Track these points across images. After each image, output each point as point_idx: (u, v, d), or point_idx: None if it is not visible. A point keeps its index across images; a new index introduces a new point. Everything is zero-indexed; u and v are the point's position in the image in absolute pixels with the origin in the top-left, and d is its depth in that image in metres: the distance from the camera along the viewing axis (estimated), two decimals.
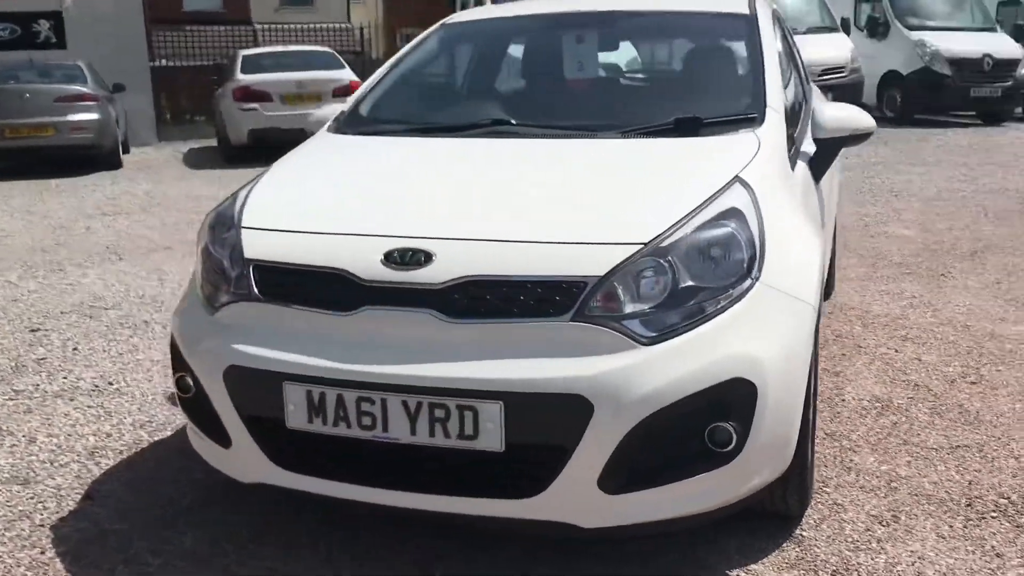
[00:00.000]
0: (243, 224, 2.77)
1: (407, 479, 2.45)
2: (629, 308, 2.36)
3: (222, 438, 2.65)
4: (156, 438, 3.69)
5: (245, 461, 2.62)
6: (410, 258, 2.45)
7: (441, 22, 4.22)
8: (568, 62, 4.00)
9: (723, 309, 2.39)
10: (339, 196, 2.94)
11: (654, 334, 2.35)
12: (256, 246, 2.67)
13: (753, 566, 2.70)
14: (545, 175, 2.93)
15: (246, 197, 2.93)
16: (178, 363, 2.78)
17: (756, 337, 2.39)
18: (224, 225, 2.82)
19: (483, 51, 4.28)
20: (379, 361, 2.40)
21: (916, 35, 15.20)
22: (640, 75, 4.28)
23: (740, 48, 3.67)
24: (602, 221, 2.55)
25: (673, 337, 2.35)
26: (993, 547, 2.78)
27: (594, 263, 2.38)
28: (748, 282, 2.44)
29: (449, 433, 2.35)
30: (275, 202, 2.93)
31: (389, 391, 2.37)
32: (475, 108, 3.81)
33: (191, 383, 2.72)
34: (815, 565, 2.70)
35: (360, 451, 2.47)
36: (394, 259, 2.46)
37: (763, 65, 3.41)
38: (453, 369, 2.34)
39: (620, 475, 2.33)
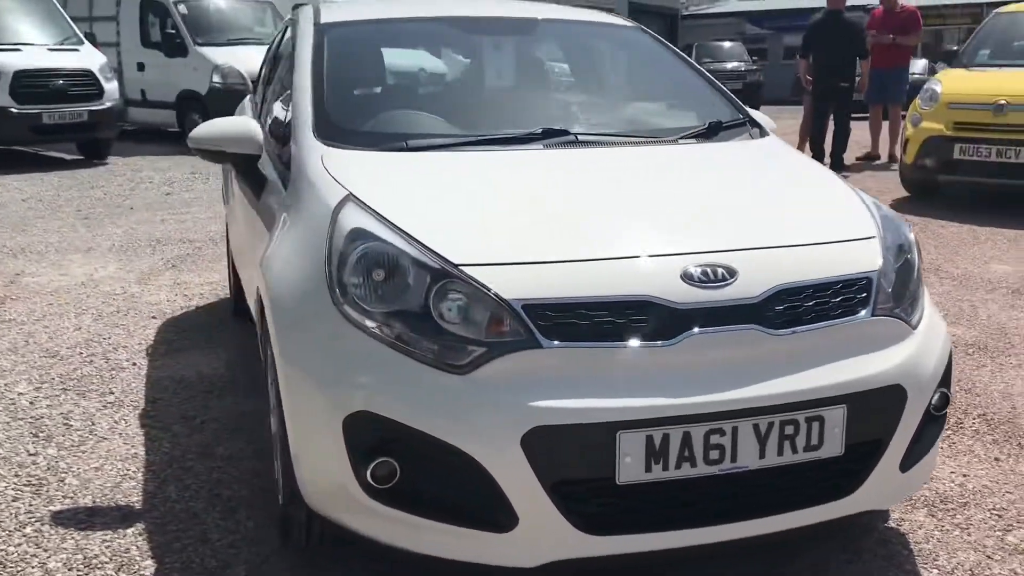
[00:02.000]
0: (467, 263, 2.29)
1: (745, 507, 2.31)
2: (893, 298, 2.51)
3: (501, 521, 2.19)
4: None
5: (536, 540, 2.20)
6: (716, 274, 2.30)
7: (317, 22, 3.68)
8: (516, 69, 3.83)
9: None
10: (532, 220, 2.55)
11: (916, 318, 2.55)
12: (513, 285, 2.24)
13: None
14: (686, 184, 2.92)
15: (413, 240, 2.38)
16: (390, 445, 2.22)
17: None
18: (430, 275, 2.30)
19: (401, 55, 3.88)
20: (722, 388, 2.23)
21: (210, 51, 13.41)
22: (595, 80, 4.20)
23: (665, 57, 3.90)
24: (828, 221, 2.65)
25: (922, 320, 2.58)
26: None
27: (868, 259, 2.50)
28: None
29: (796, 448, 2.29)
30: (467, 236, 2.44)
31: (740, 417, 2.23)
32: (498, 116, 3.46)
33: (438, 464, 2.20)
34: None
35: (695, 490, 2.27)
36: (696, 278, 2.29)
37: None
38: (795, 382, 2.28)
39: (912, 453, 2.50)
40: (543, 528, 2.19)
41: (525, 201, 2.68)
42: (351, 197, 2.57)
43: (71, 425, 3.71)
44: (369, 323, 2.29)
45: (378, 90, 3.72)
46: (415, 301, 2.28)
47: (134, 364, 4.45)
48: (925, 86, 8.93)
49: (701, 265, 2.32)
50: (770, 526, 2.35)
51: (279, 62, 4.15)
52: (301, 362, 2.40)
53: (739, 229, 2.55)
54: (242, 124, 3.21)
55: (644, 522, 2.25)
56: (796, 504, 2.36)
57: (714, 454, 2.23)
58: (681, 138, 3.26)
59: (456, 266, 2.29)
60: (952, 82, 8.73)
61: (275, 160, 3.21)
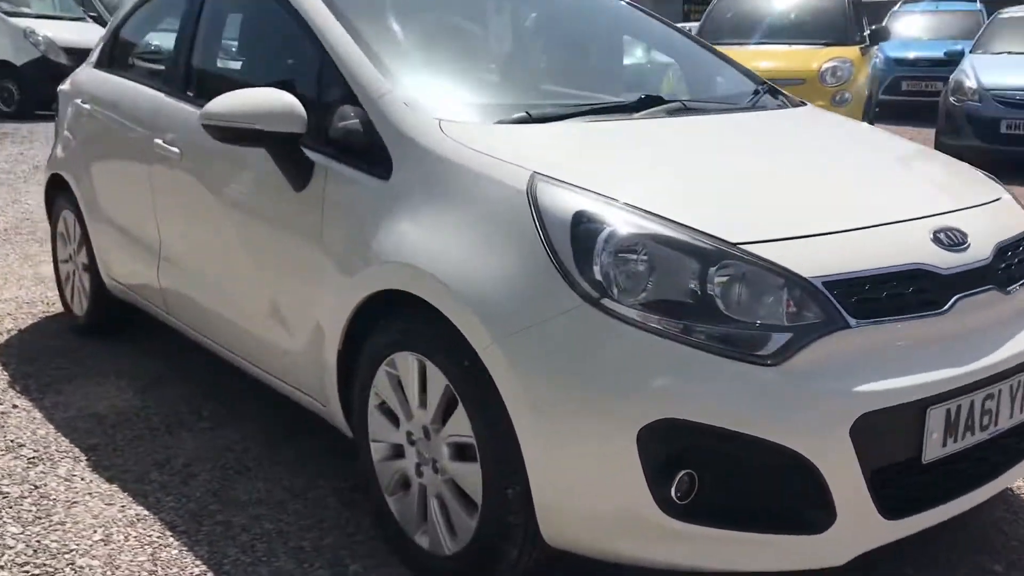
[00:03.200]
0: (745, 241, 2.05)
1: (998, 466, 2.31)
2: None
3: (817, 520, 2.01)
4: None
5: (849, 534, 2.04)
6: (955, 238, 2.27)
7: None
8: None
9: None
10: (758, 191, 2.33)
11: None
12: (806, 261, 2.04)
13: None
14: (832, 152, 2.87)
15: (664, 220, 2.09)
16: (691, 454, 1.96)
17: None
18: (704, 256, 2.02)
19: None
20: (988, 352, 2.22)
21: (21, 22, 12.87)
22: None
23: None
24: (968, 181, 2.71)
25: None
26: None
27: None
28: None
29: None
30: (716, 211, 2.17)
31: (1004, 379, 2.23)
32: (589, 82, 3.12)
33: (750, 468, 1.98)
34: None
35: (966, 458, 2.22)
36: (944, 242, 2.24)
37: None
38: None
39: None
40: (858, 521, 2.04)
41: (727, 172, 2.47)
42: (539, 175, 2.20)
43: (9, 494, 2.88)
44: (640, 318, 1.98)
45: (445, 51, 3.20)
46: (685, 287, 2.01)
47: (14, 405, 3.54)
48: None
49: (941, 229, 2.27)
50: (1013, 479, 2.36)
51: (200, 23, 3.46)
52: (560, 374, 2.02)
53: (931, 192, 2.52)
54: (276, 96, 2.62)
55: (935, 498, 2.17)
56: None
57: (985, 419, 2.20)
58: (755, 105, 3.16)
59: (734, 245, 2.04)
60: None
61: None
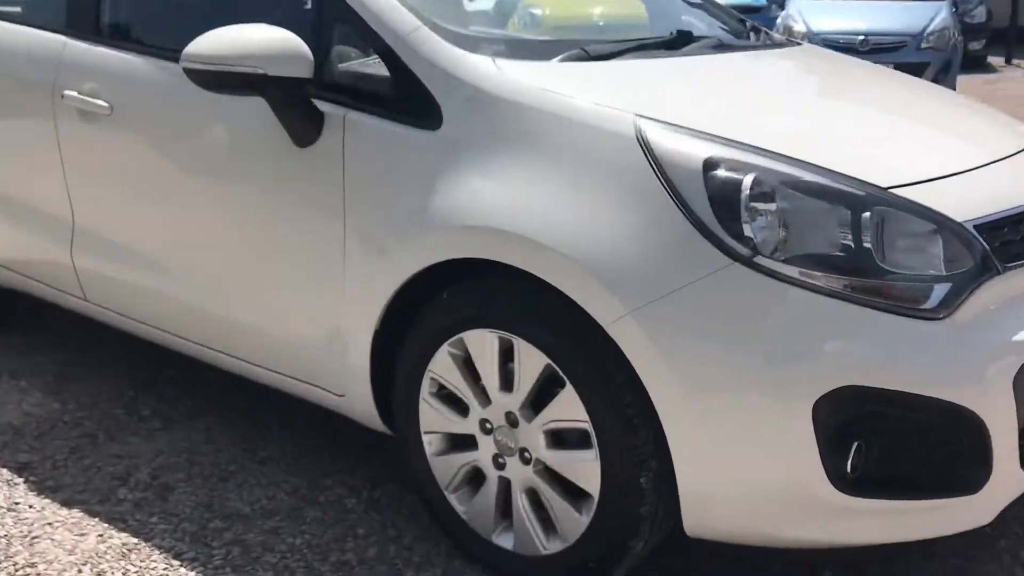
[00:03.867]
0: (894, 184, 1.88)
1: None
2: None
3: (973, 479, 1.88)
4: None
5: (998, 490, 1.93)
6: None
7: None
8: None
9: None
10: (860, 131, 2.14)
11: None
12: (956, 204, 1.90)
13: None
14: (869, 90, 2.68)
15: (805, 164, 1.88)
16: (865, 421, 1.79)
17: None
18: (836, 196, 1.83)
19: None
20: None
21: None
22: None
23: None
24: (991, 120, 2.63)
25: None
26: None
27: None
28: None
29: None
30: (853, 154, 1.98)
31: None
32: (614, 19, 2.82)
33: (920, 432, 1.83)
34: None
35: None
36: None
37: None
38: None
39: None
40: (1006, 475, 1.93)
41: (824, 112, 2.30)
42: (643, 118, 1.93)
43: None
44: (800, 276, 1.78)
45: None
46: (837, 239, 1.82)
47: None
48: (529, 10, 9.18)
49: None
50: None
51: None
52: (714, 345, 1.78)
53: (999, 128, 2.43)
54: (276, 34, 2.17)
55: None
56: None
57: None
58: (763, 46, 2.96)
59: (885, 190, 1.86)
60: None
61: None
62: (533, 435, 2.03)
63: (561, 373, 1.94)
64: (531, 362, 1.98)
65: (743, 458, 1.80)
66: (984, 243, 1.88)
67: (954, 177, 2.01)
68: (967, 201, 1.93)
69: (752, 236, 1.79)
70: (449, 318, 2.09)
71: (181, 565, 2.22)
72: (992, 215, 1.94)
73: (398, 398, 2.25)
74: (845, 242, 1.81)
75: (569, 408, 1.95)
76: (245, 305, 2.50)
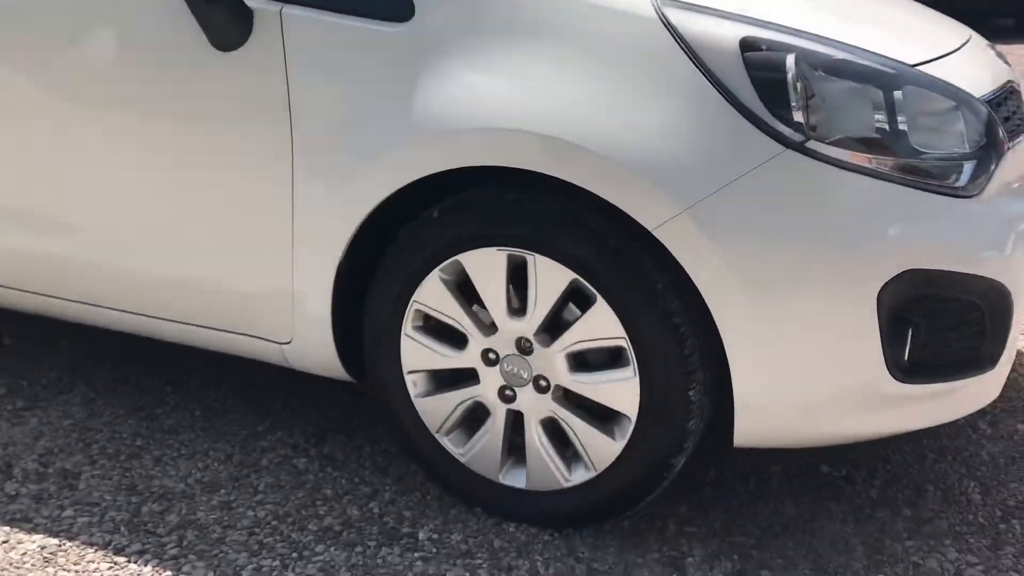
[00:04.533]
0: (919, 61, 1.82)
1: None
2: None
3: (994, 356, 1.88)
4: None
5: (1006, 366, 1.95)
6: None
7: None
8: None
9: None
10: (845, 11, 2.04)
11: None
12: (964, 81, 1.87)
13: None
14: None
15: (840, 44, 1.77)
16: (920, 305, 1.74)
17: None
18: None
19: None
20: None
21: None
22: None
23: None
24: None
25: None
26: None
27: None
28: None
29: None
30: (869, 32, 1.89)
31: None
32: None
33: (962, 313, 1.81)
34: None
35: None
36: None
37: None
38: None
39: None
40: (1012, 351, 1.96)
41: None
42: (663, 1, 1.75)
43: None
44: (852, 159, 1.69)
45: None
46: (871, 119, 1.74)
47: None
48: None
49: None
50: None
51: None
52: (777, 238, 1.66)
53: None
54: None
55: None
56: None
57: None
58: None
59: (914, 67, 1.80)
60: None
61: None
62: (552, 360, 1.83)
63: (591, 288, 1.75)
64: (551, 280, 1.78)
65: (804, 356, 1.70)
66: (996, 118, 1.87)
67: (943, 60, 1.98)
68: (968, 80, 1.90)
69: (801, 120, 1.67)
70: (442, 239, 1.84)
71: (129, 561, 1.85)
72: (990, 94, 1.94)
73: (369, 338, 1.97)
74: (881, 124, 1.73)
75: (600, 325, 1.76)
76: (164, 257, 2.10)
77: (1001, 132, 1.87)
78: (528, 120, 1.71)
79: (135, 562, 1.85)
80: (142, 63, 2.00)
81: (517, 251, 1.78)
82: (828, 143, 1.67)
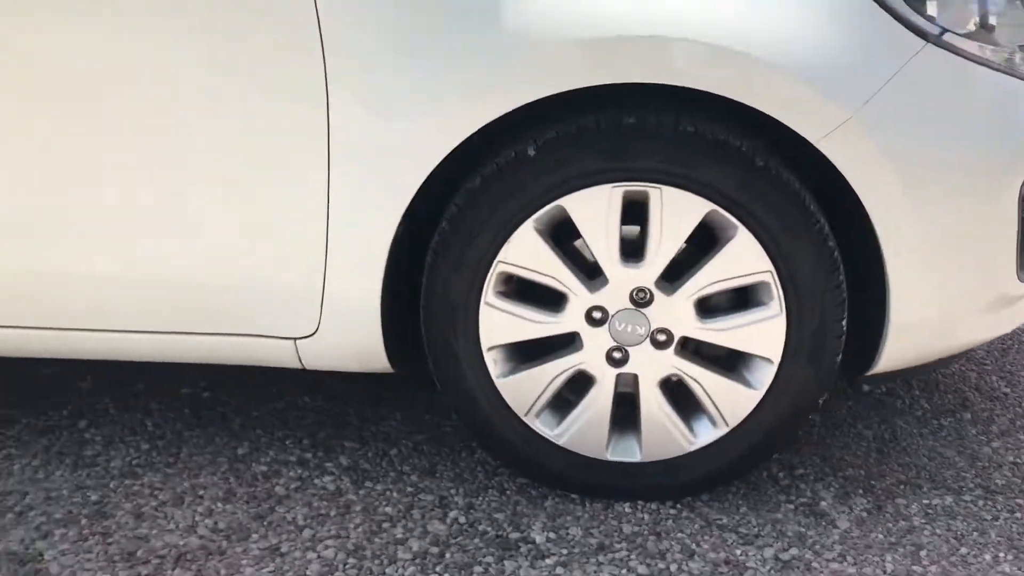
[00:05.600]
0: None
1: None
2: None
3: None
4: None
5: None
6: None
7: None
8: None
9: None
10: None
11: None
12: None
13: None
14: None
15: None
16: None
17: None
18: None
19: None
20: None
21: None
22: None
23: None
24: None
25: None
26: None
27: None
28: None
29: None
30: None
31: None
32: None
33: None
34: None
35: None
36: None
37: None
38: None
39: None
40: None
41: None
42: None
43: None
44: (978, 50, 1.60)
45: None
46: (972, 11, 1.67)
47: None
48: None
49: None
50: None
51: None
52: (936, 140, 1.53)
53: None
54: None
55: None
56: None
57: None
58: None
59: None
60: None
61: None
62: (676, 309, 1.58)
63: (732, 219, 1.52)
64: (682, 215, 1.53)
65: (955, 264, 1.60)
66: None
67: None
68: None
69: (934, 13, 1.54)
70: (541, 182, 1.52)
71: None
72: None
73: (437, 315, 1.61)
74: (992, 11, 1.64)
75: (742, 260, 1.55)
76: (143, 255, 1.60)
77: None
78: (674, 26, 1.43)
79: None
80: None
81: (639, 186, 1.51)
82: (961, 35, 1.56)
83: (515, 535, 1.62)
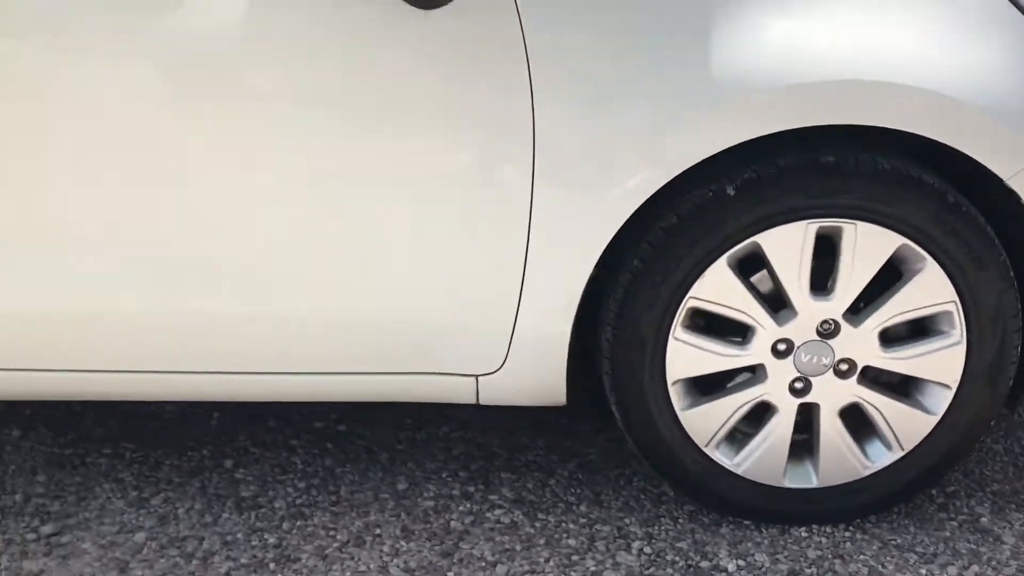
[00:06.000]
0: None
1: None
2: None
3: None
4: None
5: None
6: None
7: None
8: None
9: None
10: None
11: None
12: None
13: None
14: None
15: None
16: None
17: None
18: None
19: None
20: None
21: None
22: None
23: None
24: None
25: None
26: None
27: None
28: None
29: None
30: None
31: None
32: None
33: None
34: None
35: None
36: None
37: None
38: None
39: None
40: None
41: None
42: None
43: None
44: None
45: None
46: None
47: None
48: None
49: None
50: None
51: None
52: None
53: None
54: None
55: None
56: None
57: None
58: None
59: None
60: None
61: None
62: (861, 340, 1.63)
63: (922, 251, 1.57)
64: (875, 248, 1.57)
65: None
66: None
67: None
68: None
69: None
70: (739, 220, 1.55)
71: None
72: None
73: (626, 350, 1.63)
74: None
75: (929, 291, 1.60)
76: (329, 295, 1.60)
77: None
78: (892, 72, 1.48)
79: None
80: (315, 41, 1.47)
81: (833, 222, 1.56)
82: None
83: (705, 564, 1.66)
